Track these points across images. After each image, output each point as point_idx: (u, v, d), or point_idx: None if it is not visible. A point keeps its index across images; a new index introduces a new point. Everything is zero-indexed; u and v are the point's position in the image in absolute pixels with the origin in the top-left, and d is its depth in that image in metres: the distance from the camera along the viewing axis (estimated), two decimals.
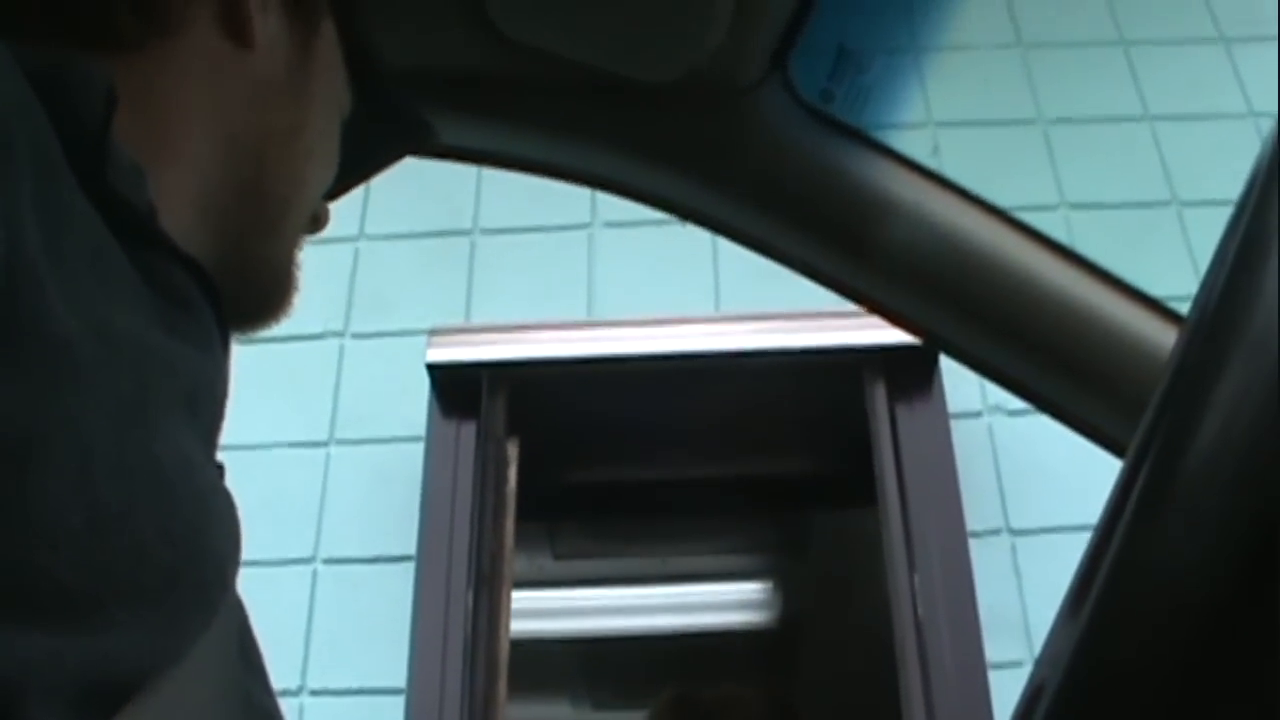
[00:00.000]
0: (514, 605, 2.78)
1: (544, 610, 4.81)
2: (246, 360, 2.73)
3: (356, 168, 0.86)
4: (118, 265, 0.55)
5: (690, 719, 2.79)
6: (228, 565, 0.59)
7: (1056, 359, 1.06)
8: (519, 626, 3.11)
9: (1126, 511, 0.48)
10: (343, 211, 2.85)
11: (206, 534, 0.57)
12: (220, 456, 0.65)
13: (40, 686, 0.47)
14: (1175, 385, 0.49)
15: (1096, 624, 0.48)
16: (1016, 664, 2.52)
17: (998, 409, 2.86)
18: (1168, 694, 0.47)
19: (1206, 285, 0.52)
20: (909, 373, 2.85)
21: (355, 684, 2.61)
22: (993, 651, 2.56)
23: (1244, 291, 0.48)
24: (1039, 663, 0.54)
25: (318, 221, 0.80)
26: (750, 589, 4.91)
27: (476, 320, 3.04)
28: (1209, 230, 0.55)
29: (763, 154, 1.08)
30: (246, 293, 0.73)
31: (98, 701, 0.50)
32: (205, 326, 0.63)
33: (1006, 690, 2.44)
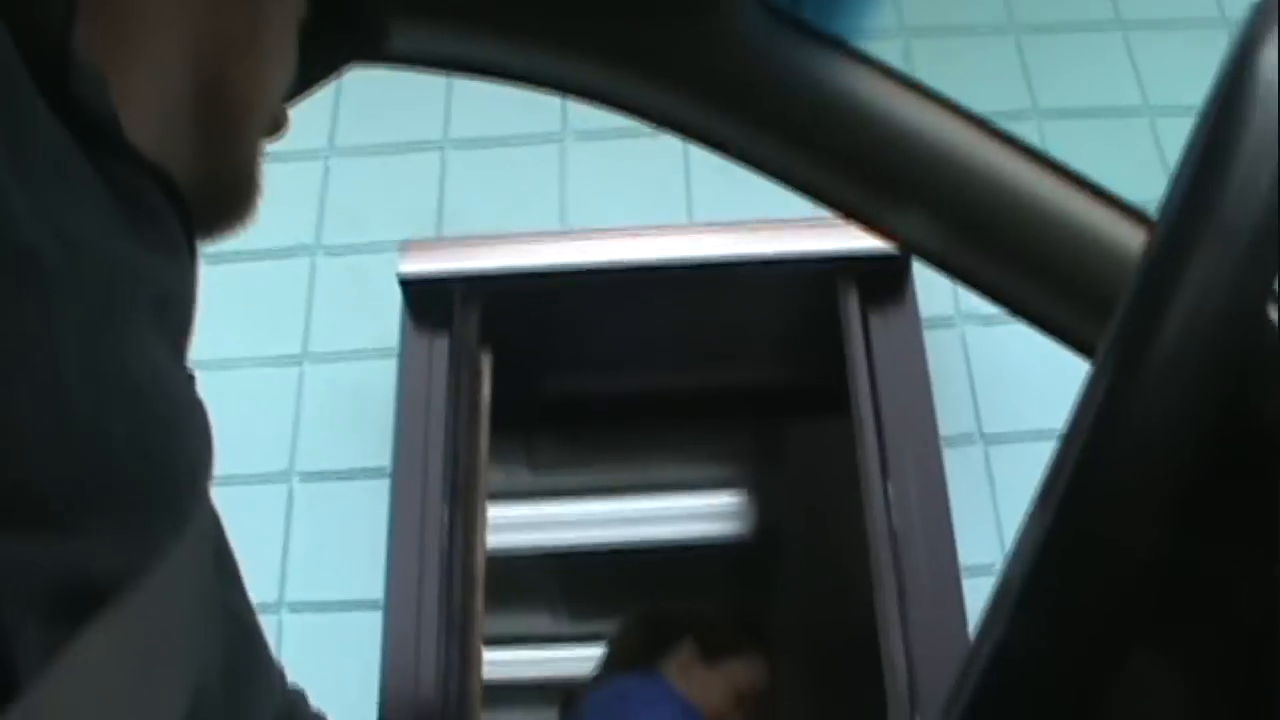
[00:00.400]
0: (491, 519, 2.79)
1: (522, 523, 4.83)
2: (218, 278, 2.73)
3: (314, 72, 0.85)
4: (82, 174, 0.54)
5: (657, 634, 2.84)
6: (200, 473, 0.59)
7: (1029, 262, 1.06)
8: (497, 540, 3.13)
9: (1096, 401, 0.49)
10: (312, 126, 2.84)
11: (178, 442, 0.57)
12: (192, 370, 0.64)
13: (13, 592, 0.47)
14: (1146, 276, 0.50)
15: (1065, 511, 0.49)
16: (990, 569, 2.55)
17: (970, 316, 2.86)
18: (1132, 578, 0.47)
19: (1176, 182, 0.52)
20: (882, 281, 2.85)
21: (333, 598, 2.62)
22: (966, 557, 2.59)
23: (1211, 184, 0.49)
24: (1009, 559, 0.55)
25: (278, 125, 0.79)
26: (726, 499, 4.94)
27: (448, 233, 3.03)
28: (1182, 138, 0.55)
29: (734, 58, 1.07)
30: (211, 197, 0.72)
31: (71, 608, 0.50)
32: (172, 235, 0.62)
33: (980, 595, 2.46)
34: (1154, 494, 0.47)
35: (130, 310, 0.55)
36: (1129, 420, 0.47)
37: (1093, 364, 0.52)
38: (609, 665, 2.88)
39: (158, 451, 0.54)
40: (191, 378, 0.63)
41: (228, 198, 0.75)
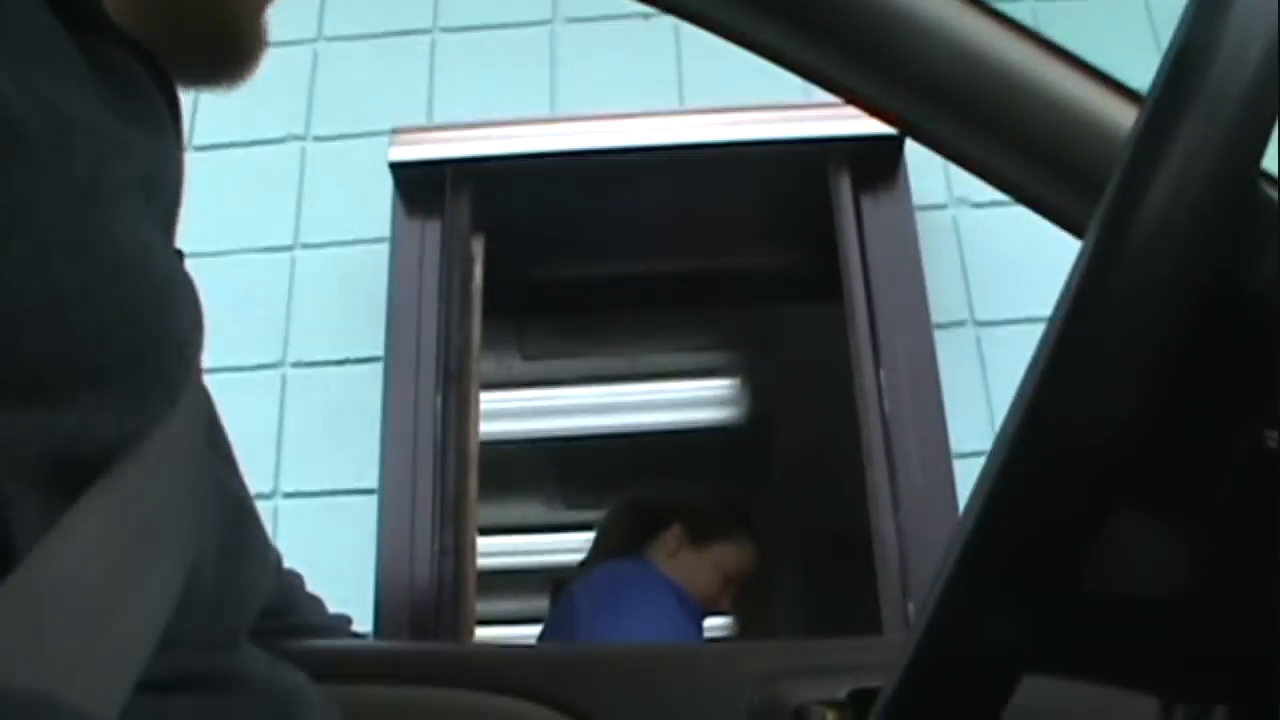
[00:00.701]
0: (484, 407, 2.80)
1: (515, 411, 4.85)
2: (209, 166, 2.70)
3: None
4: (65, 51, 0.54)
5: (645, 520, 2.86)
6: (190, 347, 0.60)
7: (1023, 141, 1.05)
8: (490, 428, 3.14)
9: (1083, 269, 0.49)
10: (301, 13, 2.80)
11: (167, 314, 0.57)
12: (180, 248, 0.64)
13: (9, 463, 0.47)
14: (1134, 146, 0.49)
15: (1051, 376, 0.49)
16: (981, 454, 2.55)
17: (963, 201, 2.85)
18: (1116, 441, 0.48)
19: (1167, 54, 0.52)
20: (874, 165, 2.84)
21: (328, 486, 2.64)
22: (958, 442, 2.60)
23: (1200, 54, 0.49)
24: (998, 436, 0.55)
25: None
26: (718, 385, 4.95)
27: (439, 119, 3.01)
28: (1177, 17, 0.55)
29: None
30: (211, 43, 0.71)
31: (68, 479, 0.50)
32: (156, 111, 0.62)
33: (971, 480, 2.47)
34: (1138, 360, 0.47)
35: (118, 184, 0.55)
36: (1115, 287, 0.47)
37: (1087, 232, 0.52)
38: (597, 552, 2.93)
39: (148, 324, 0.55)
40: (180, 254, 0.63)
41: (227, 40, 0.73)
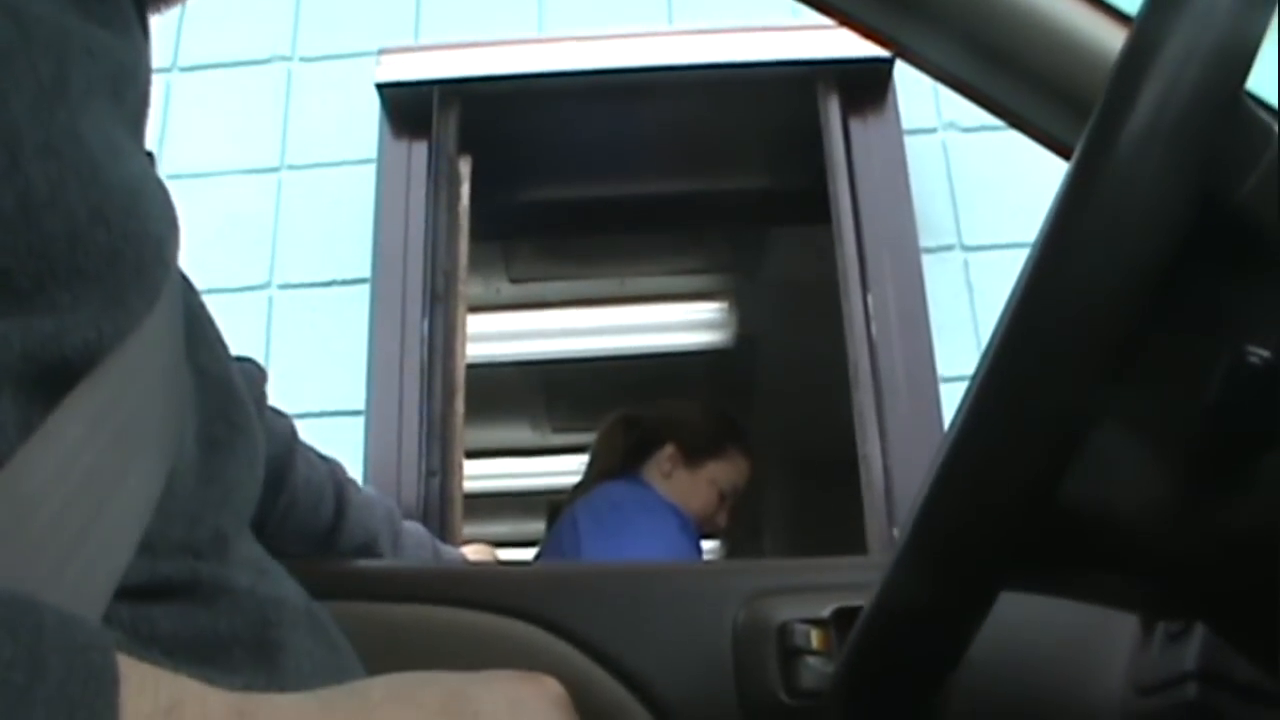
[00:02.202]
0: (471, 330, 2.79)
1: (502, 334, 4.84)
2: (194, 87, 2.68)
3: None
4: None
5: (638, 438, 2.84)
6: (166, 246, 0.59)
7: (1014, 64, 1.05)
8: (477, 351, 3.14)
9: (1071, 181, 0.49)
10: None
11: (140, 215, 0.57)
12: (168, 183, 0.64)
13: None
14: (1122, 62, 0.50)
15: (1036, 284, 0.49)
16: (968, 378, 2.56)
17: (952, 125, 2.84)
18: (1100, 352, 0.48)
19: None
20: (863, 87, 2.82)
21: (315, 407, 2.64)
22: (944, 366, 2.61)
23: None
24: (983, 350, 0.56)
25: None
26: (706, 308, 4.94)
27: (426, 39, 2.98)
28: None
29: None
30: None
31: (47, 382, 0.51)
32: (122, 11, 0.61)
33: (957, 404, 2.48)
34: (1122, 272, 0.47)
35: (85, 85, 0.55)
36: (1099, 198, 0.47)
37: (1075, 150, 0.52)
38: (591, 473, 2.92)
39: (120, 225, 0.54)
40: (151, 157, 0.63)
41: None
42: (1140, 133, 0.47)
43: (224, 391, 0.70)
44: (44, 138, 0.51)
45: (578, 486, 2.95)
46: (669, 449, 2.85)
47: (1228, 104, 0.48)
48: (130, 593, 0.55)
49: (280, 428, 1.10)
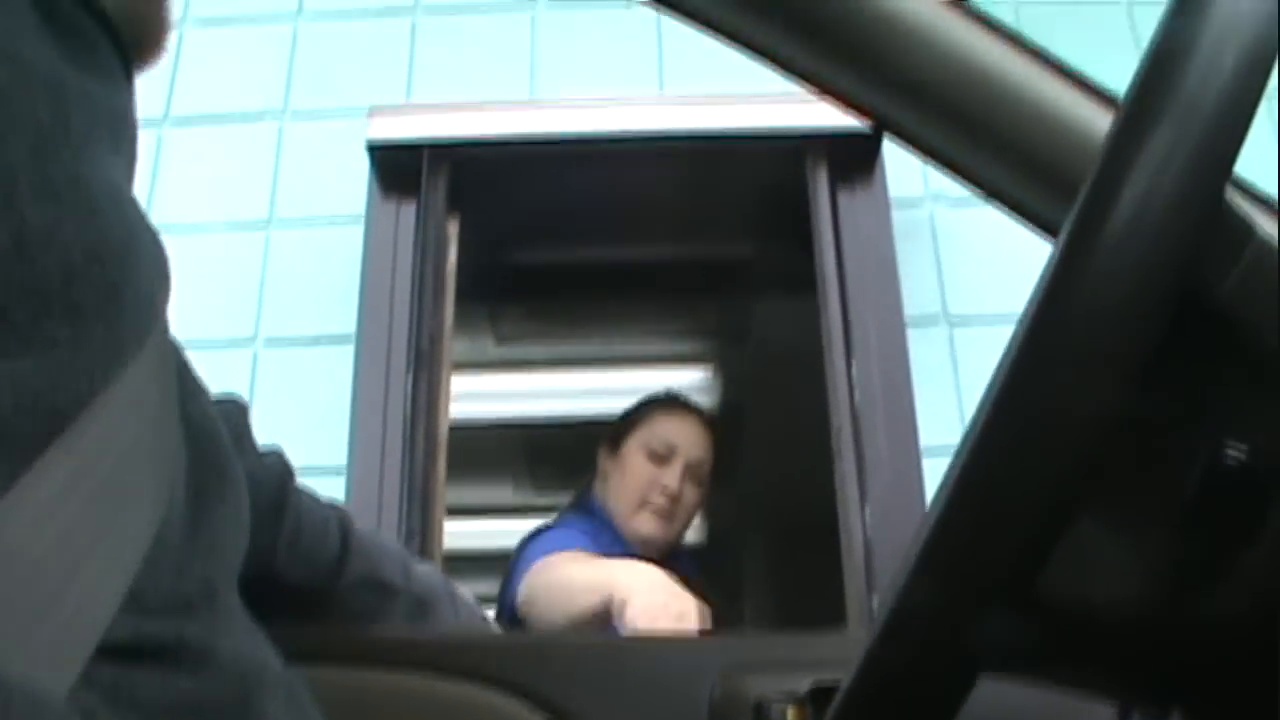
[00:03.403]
0: (457, 390, 2.79)
1: (487, 394, 4.84)
2: (185, 140, 2.69)
3: None
4: (18, 4, 0.54)
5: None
6: (157, 295, 0.60)
7: (999, 142, 1.05)
8: (462, 410, 3.13)
9: (1051, 274, 0.49)
10: None
11: (134, 256, 0.57)
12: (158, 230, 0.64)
13: None
14: (1106, 154, 0.50)
15: (1015, 378, 0.49)
16: (950, 451, 2.55)
17: (940, 197, 2.86)
18: (1077, 445, 0.48)
19: (1142, 62, 0.52)
20: (852, 158, 2.84)
21: (297, 463, 2.61)
22: (927, 438, 2.61)
23: (1176, 58, 0.49)
24: (964, 435, 0.55)
25: None
26: (691, 374, 4.95)
27: (417, 99, 3.00)
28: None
29: None
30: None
31: (34, 431, 0.50)
32: (110, 63, 0.62)
33: (940, 477, 2.48)
34: (1102, 366, 0.47)
35: (86, 129, 0.55)
36: (1080, 292, 0.48)
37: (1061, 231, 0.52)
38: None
39: (115, 264, 0.55)
40: (136, 203, 0.63)
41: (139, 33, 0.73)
42: (1125, 225, 0.47)
43: (212, 441, 0.70)
44: (42, 178, 0.52)
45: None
46: (601, 454, 2.69)
47: (1213, 197, 0.49)
48: (113, 651, 0.54)
49: (271, 461, 1.10)
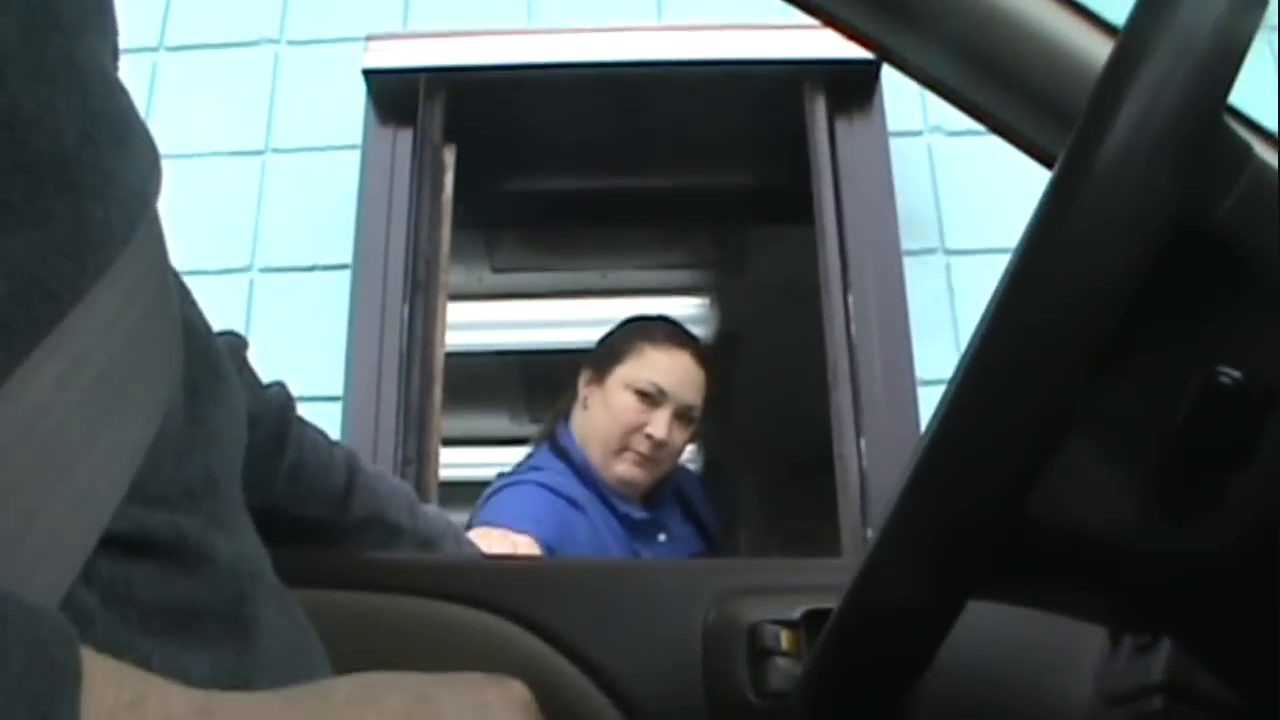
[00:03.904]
0: (452, 318, 2.79)
1: (483, 323, 4.84)
2: (180, 68, 2.67)
3: None
4: None
5: (563, 396, 2.62)
6: (149, 181, 0.60)
7: (1000, 70, 1.05)
8: (458, 340, 3.12)
9: (1048, 198, 0.49)
10: None
11: (127, 141, 0.57)
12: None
13: None
14: (1104, 79, 0.50)
15: (1010, 302, 0.49)
16: (945, 382, 2.56)
17: (938, 129, 2.85)
18: (1069, 366, 0.48)
19: None
20: (850, 88, 2.83)
21: (293, 392, 2.63)
22: (923, 369, 2.61)
23: None
24: (959, 361, 0.56)
25: None
26: (687, 304, 4.94)
27: (414, 26, 2.98)
28: None
29: None
30: None
31: (29, 314, 0.50)
32: None
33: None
34: (1097, 290, 0.47)
35: (77, 14, 0.55)
36: (1076, 217, 0.48)
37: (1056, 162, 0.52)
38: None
39: (109, 150, 0.55)
40: (126, 91, 0.63)
41: None
42: (1120, 149, 0.47)
43: (205, 342, 0.70)
44: (35, 61, 0.52)
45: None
46: (582, 378, 2.48)
47: (1208, 123, 0.49)
48: (113, 544, 0.54)
49: (274, 393, 1.11)
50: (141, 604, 0.56)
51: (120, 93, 0.59)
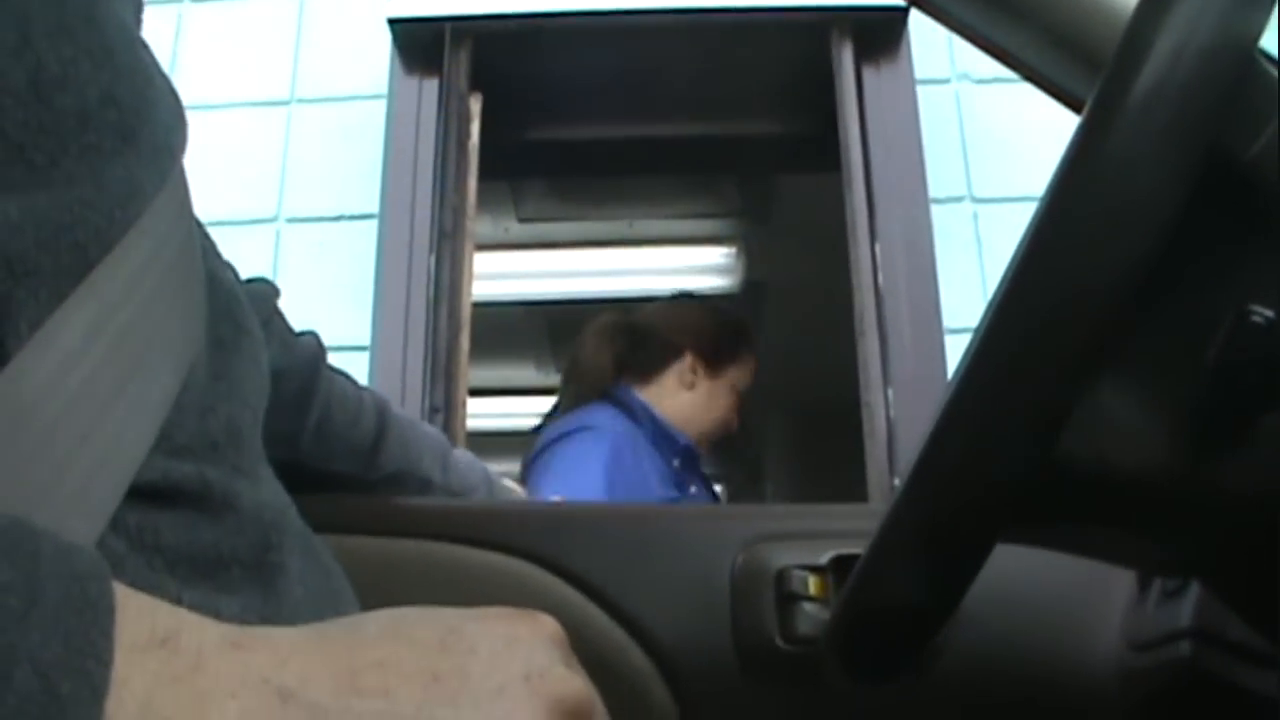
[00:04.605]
0: (479, 269, 2.79)
1: (509, 273, 4.84)
2: (205, 18, 2.66)
3: None
4: None
5: (647, 348, 2.66)
6: (174, 134, 0.60)
7: (1029, 15, 1.04)
8: (485, 290, 3.12)
9: (1080, 136, 0.49)
10: None
11: (150, 99, 0.57)
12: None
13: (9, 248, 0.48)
14: (1138, 14, 0.49)
15: (1041, 239, 0.49)
16: (973, 330, 2.56)
17: (965, 77, 2.83)
18: (1101, 304, 0.48)
19: None
20: (877, 35, 2.81)
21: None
22: (950, 318, 2.60)
23: None
24: (990, 300, 0.56)
25: None
26: (714, 253, 4.94)
27: None
28: None
29: None
30: None
31: (58, 266, 0.51)
32: None
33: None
34: (1128, 227, 0.47)
35: None
36: (1108, 153, 0.47)
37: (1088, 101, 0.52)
38: (572, 392, 2.64)
39: (131, 106, 0.55)
40: (148, 47, 0.63)
41: None
42: (1152, 87, 0.47)
43: (230, 295, 0.70)
44: (58, 20, 0.52)
45: (549, 415, 2.69)
46: (688, 359, 2.58)
47: (1241, 62, 0.48)
48: (140, 494, 0.55)
49: (304, 344, 1.11)
50: (169, 551, 0.56)
51: (143, 49, 0.59)
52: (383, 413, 1.18)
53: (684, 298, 2.86)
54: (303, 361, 1.09)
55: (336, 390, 1.13)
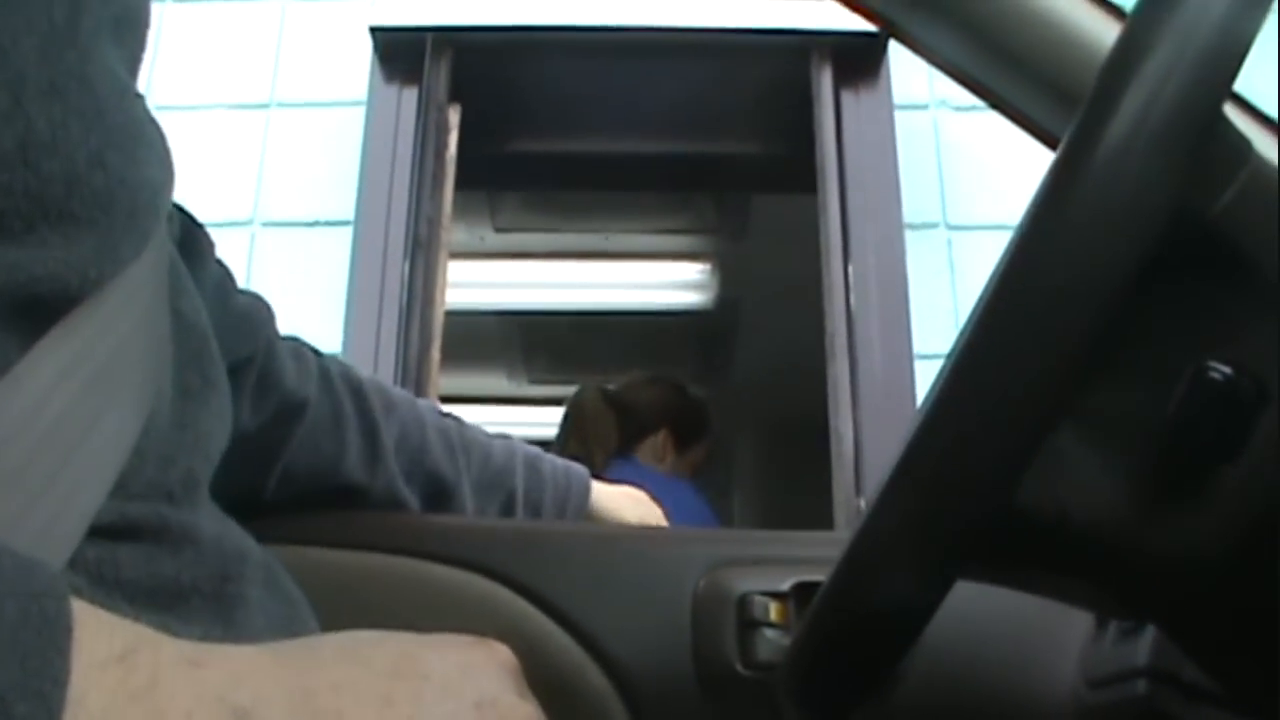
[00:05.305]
0: (453, 277, 2.79)
1: (484, 282, 4.85)
2: (187, 20, 2.65)
3: None
4: None
5: (629, 420, 2.80)
6: (160, 193, 0.60)
7: (1007, 50, 1.05)
8: (459, 298, 3.12)
9: (1046, 189, 0.49)
10: None
11: (139, 160, 0.57)
12: (157, 114, 0.64)
13: None
14: (1107, 69, 0.50)
15: (1006, 287, 0.50)
16: (943, 356, 2.56)
17: (944, 103, 2.84)
18: (1062, 361, 0.49)
19: None
20: (857, 60, 2.83)
21: None
22: (921, 343, 2.61)
23: None
24: (955, 341, 0.56)
25: None
26: (688, 269, 4.95)
27: None
28: None
29: None
30: None
31: (28, 315, 0.51)
32: None
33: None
34: (1092, 279, 0.48)
35: (94, 27, 0.55)
36: (1073, 206, 0.48)
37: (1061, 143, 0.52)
38: (594, 450, 2.90)
39: (119, 169, 0.55)
40: (140, 98, 0.63)
41: None
42: (1120, 141, 0.48)
43: (200, 341, 0.70)
44: (50, 81, 0.51)
45: (566, 452, 2.81)
46: (663, 435, 2.95)
47: (1208, 118, 0.49)
48: (98, 532, 0.55)
49: (324, 367, 1.10)
50: (128, 585, 0.57)
51: (133, 100, 0.59)
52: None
53: (658, 380, 3.19)
54: (323, 387, 1.08)
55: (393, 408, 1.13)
